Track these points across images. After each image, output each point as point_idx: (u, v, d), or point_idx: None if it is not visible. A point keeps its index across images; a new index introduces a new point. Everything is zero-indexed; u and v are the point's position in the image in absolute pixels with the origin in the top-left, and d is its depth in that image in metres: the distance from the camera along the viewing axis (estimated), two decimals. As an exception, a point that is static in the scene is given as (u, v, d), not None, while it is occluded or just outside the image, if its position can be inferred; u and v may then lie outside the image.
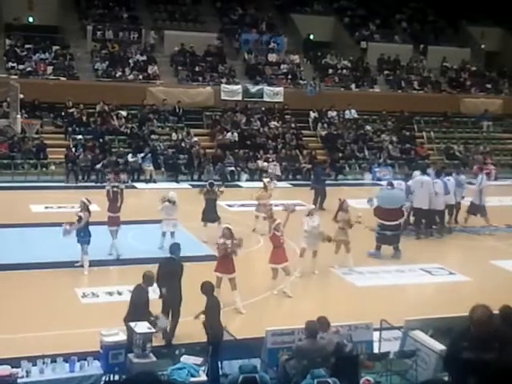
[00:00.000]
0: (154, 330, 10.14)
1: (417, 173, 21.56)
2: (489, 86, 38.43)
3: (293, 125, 32.67)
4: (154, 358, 9.89)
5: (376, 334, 11.39)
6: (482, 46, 41.09)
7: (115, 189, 17.04)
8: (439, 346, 10.20)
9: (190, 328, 11.63)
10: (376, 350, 11.24)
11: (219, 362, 10.27)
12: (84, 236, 15.47)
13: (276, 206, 20.08)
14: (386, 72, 37.37)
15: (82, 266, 15.59)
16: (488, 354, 5.84)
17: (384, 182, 21.93)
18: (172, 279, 11.96)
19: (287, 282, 14.65)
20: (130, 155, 28.11)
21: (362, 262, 16.99)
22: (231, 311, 13.24)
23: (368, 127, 33.77)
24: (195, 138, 30.41)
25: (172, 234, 17.54)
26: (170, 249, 12.58)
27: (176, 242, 13.20)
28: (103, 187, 18.32)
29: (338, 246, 16.63)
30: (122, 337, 9.88)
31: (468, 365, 5.72)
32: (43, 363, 9.35)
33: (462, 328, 6.18)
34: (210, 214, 18.57)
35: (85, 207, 15.61)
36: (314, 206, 18.60)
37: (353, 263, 16.58)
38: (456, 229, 21.25)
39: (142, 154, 27.95)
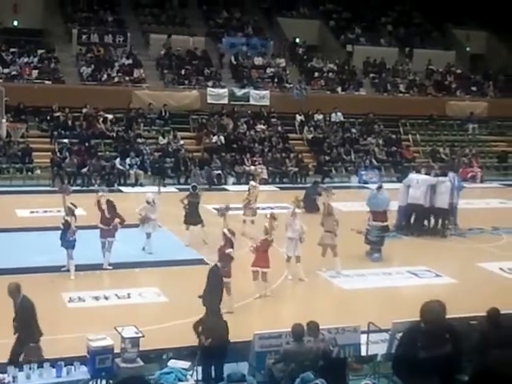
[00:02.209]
0: (141, 335, 10.09)
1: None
2: (474, 88, 38.62)
3: (279, 128, 32.69)
4: (142, 363, 9.86)
5: (363, 337, 11.39)
6: (467, 49, 41.31)
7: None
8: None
9: (178, 332, 11.59)
10: (364, 353, 11.25)
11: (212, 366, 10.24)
12: (68, 240, 15.38)
13: (263, 209, 20.17)
14: (371, 75, 37.48)
15: (68, 270, 15.51)
16: (442, 350, 5.80)
17: (374, 185, 22.07)
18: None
19: (263, 288, 14.68)
20: (117, 160, 28.00)
21: (349, 264, 16.99)
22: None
23: (354, 130, 33.86)
24: (181, 142, 30.37)
25: (148, 234, 17.52)
26: None
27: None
28: (89, 191, 18.25)
29: (325, 250, 16.63)
30: (109, 341, 9.84)
31: (423, 364, 5.66)
32: (30, 368, 9.27)
33: (411, 327, 6.11)
34: (192, 218, 18.59)
35: (70, 212, 15.53)
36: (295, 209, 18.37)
37: (340, 266, 16.59)
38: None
39: (129, 161, 27.84)
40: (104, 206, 16.42)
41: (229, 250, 13.60)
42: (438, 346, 5.75)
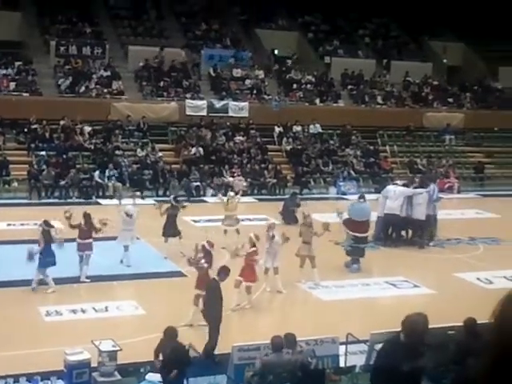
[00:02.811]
0: (118, 348, 10.04)
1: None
2: (451, 100, 38.95)
3: (258, 139, 32.74)
4: (119, 377, 9.81)
5: (342, 348, 11.41)
6: (444, 61, 41.67)
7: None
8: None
9: (156, 345, 11.52)
10: (342, 364, 11.26)
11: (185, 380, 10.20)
12: (46, 257, 15.20)
13: (242, 220, 20.16)
14: (349, 87, 37.68)
15: (45, 283, 15.35)
16: (419, 361, 5.83)
17: (352, 196, 22.18)
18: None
19: (249, 299, 14.67)
20: (96, 173, 27.82)
21: (327, 275, 17.02)
22: (197, 328, 13.16)
23: (332, 141, 33.99)
24: (160, 154, 30.31)
25: (126, 247, 17.44)
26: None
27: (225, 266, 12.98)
28: (67, 204, 18.14)
29: (303, 261, 16.63)
30: (86, 355, 9.77)
31: (402, 376, 5.68)
32: (5, 383, 9.19)
33: (391, 339, 6.13)
34: (170, 229, 18.55)
35: (45, 231, 15.36)
36: (273, 221, 18.38)
37: (319, 278, 16.61)
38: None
39: (107, 173, 27.71)
40: (79, 221, 16.34)
41: (202, 262, 13.52)
42: (417, 359, 5.78)
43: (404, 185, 21.94)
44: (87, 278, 16.13)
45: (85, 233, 16.23)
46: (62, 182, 26.91)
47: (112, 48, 34.66)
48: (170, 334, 9.85)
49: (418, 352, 5.86)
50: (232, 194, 21.18)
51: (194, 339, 11.43)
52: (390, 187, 21.74)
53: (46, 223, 15.51)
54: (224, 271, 12.37)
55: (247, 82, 35.41)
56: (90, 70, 33.15)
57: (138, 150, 30.27)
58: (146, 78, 33.93)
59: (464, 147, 37.00)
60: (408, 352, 5.66)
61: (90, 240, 16.32)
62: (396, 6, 40.06)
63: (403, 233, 21.47)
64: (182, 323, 12.98)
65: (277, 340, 9.64)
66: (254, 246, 14.73)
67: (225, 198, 20.54)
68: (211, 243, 14.09)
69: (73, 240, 16.44)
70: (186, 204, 19.52)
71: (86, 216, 16.45)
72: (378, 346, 10.95)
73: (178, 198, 19.65)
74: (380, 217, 21.05)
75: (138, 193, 23.79)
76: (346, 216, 18.45)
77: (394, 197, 20.85)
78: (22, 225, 21.24)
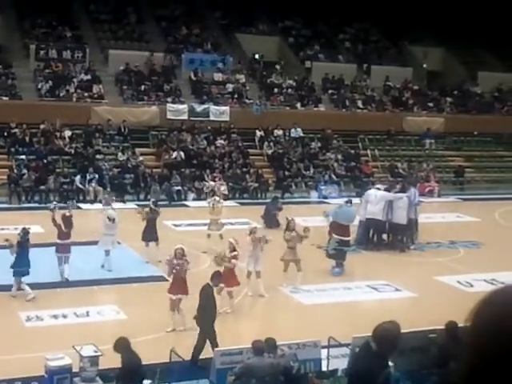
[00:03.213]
0: (100, 354, 9.98)
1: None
2: (431, 104, 39.19)
3: (239, 144, 32.74)
4: (101, 382, 9.76)
5: (324, 352, 11.41)
6: (424, 66, 41.91)
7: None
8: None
9: (137, 350, 11.46)
10: (324, 368, 11.27)
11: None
12: (21, 266, 15.01)
13: (224, 224, 20.14)
14: (330, 91, 37.80)
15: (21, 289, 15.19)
16: (387, 369, 5.87)
17: (333, 200, 22.24)
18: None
19: (231, 304, 14.66)
20: (77, 178, 27.60)
21: (309, 279, 17.03)
22: (179, 333, 13.13)
23: (313, 145, 34.07)
24: (141, 158, 30.22)
25: (107, 252, 17.36)
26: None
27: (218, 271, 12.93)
28: (47, 208, 18.04)
29: (287, 265, 16.62)
30: (67, 361, 9.71)
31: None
32: (-15, 390, 9.12)
33: (363, 346, 6.14)
34: (151, 234, 18.47)
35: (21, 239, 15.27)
36: (255, 225, 18.31)
37: (300, 282, 16.61)
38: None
39: (88, 176, 27.59)
40: (59, 222, 16.29)
41: (175, 261, 13.47)
42: (385, 366, 5.81)
43: (386, 189, 22.02)
44: (67, 280, 16.10)
45: (64, 234, 16.23)
46: (42, 187, 26.75)
47: (92, 52, 34.54)
48: (122, 344, 9.54)
49: (387, 360, 5.91)
50: (217, 198, 21.16)
51: (177, 343, 11.40)
52: (371, 191, 21.83)
53: (23, 231, 15.37)
54: (217, 276, 12.37)
55: (228, 86, 35.41)
56: (71, 73, 33.00)
57: (119, 154, 30.16)
58: (126, 81, 33.83)
59: (444, 151, 37.23)
60: (379, 360, 5.68)
61: (69, 241, 16.33)
62: (376, 10, 40.30)
63: (384, 236, 21.55)
64: (168, 329, 12.98)
65: (257, 344, 9.63)
66: (234, 250, 14.71)
67: (210, 203, 20.50)
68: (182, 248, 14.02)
69: (53, 245, 16.36)
70: (160, 209, 19.47)
71: (65, 218, 16.46)
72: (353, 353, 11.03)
73: (157, 202, 19.57)
74: (362, 221, 21.13)
75: (114, 197, 23.61)
76: (331, 219, 18.52)
77: (374, 201, 20.94)
78: (2, 229, 21.03)
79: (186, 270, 13.49)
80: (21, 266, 14.97)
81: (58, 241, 16.26)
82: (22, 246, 15.05)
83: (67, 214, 16.68)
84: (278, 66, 37.97)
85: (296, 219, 17.69)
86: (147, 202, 21.95)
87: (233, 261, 14.60)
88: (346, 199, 20.00)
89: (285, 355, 10.30)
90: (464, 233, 23.61)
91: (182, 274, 13.38)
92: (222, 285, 14.44)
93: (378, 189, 22.17)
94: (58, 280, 16.13)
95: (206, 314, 11.65)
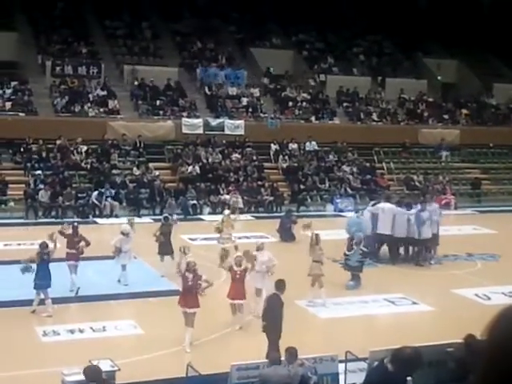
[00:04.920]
0: (117, 368, 9.97)
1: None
2: (446, 116, 39.09)
3: (254, 157, 32.78)
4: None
5: (341, 366, 11.34)
6: (439, 78, 41.87)
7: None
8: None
9: (154, 365, 11.48)
10: (342, 383, 11.19)
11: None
12: (41, 279, 15.04)
13: (239, 238, 20.12)
14: (345, 104, 37.80)
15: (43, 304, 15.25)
16: None
17: (349, 213, 22.18)
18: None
19: (240, 319, 14.54)
20: (94, 194, 27.66)
21: (325, 293, 16.94)
22: (198, 346, 13.10)
23: (329, 158, 34.04)
24: (157, 172, 30.31)
25: (124, 266, 17.39)
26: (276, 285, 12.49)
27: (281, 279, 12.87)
28: (63, 223, 18.17)
29: (315, 280, 16.40)
30: (84, 376, 9.69)
31: None
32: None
33: (377, 366, 6.11)
34: (166, 247, 18.52)
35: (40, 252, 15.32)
36: (262, 241, 18.18)
37: (325, 296, 16.44)
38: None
39: (104, 192, 27.67)
40: (70, 231, 16.69)
41: (186, 275, 13.44)
42: None
43: (397, 202, 21.89)
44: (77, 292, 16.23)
45: (74, 243, 16.51)
46: (59, 202, 26.86)
47: (107, 67, 34.76)
48: (92, 373, 9.01)
49: (403, 380, 5.90)
50: (227, 212, 21.09)
51: (194, 358, 11.38)
52: (380, 205, 21.59)
53: (42, 245, 15.41)
54: (282, 284, 12.37)
55: (243, 100, 35.50)
56: (86, 89, 33.22)
57: (135, 168, 30.27)
58: (141, 96, 34.00)
59: (460, 163, 37.09)
60: (394, 381, 5.66)
61: (75, 251, 16.53)
62: (389, 23, 40.32)
63: (401, 250, 21.44)
64: (183, 344, 12.94)
65: (273, 355, 9.62)
66: (241, 265, 14.56)
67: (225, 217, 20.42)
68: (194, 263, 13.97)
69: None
70: (174, 221, 19.61)
71: (74, 228, 16.86)
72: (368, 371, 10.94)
73: (168, 217, 19.64)
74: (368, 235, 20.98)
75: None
76: (362, 235, 18.40)
77: (382, 215, 20.81)
78: (19, 245, 21.17)
79: (201, 285, 13.46)
80: (41, 279, 15.02)
81: (68, 250, 16.56)
82: (43, 258, 15.11)
83: (67, 232, 16.87)
84: (291, 80, 38.02)
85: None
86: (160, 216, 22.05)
87: (239, 275, 14.45)
88: (357, 211, 19.95)
89: (304, 364, 10.25)
90: (481, 245, 23.46)
91: (189, 288, 13.32)
92: (233, 302, 14.39)
93: (390, 202, 21.94)
94: (74, 295, 16.19)
95: (275, 323, 11.71)
